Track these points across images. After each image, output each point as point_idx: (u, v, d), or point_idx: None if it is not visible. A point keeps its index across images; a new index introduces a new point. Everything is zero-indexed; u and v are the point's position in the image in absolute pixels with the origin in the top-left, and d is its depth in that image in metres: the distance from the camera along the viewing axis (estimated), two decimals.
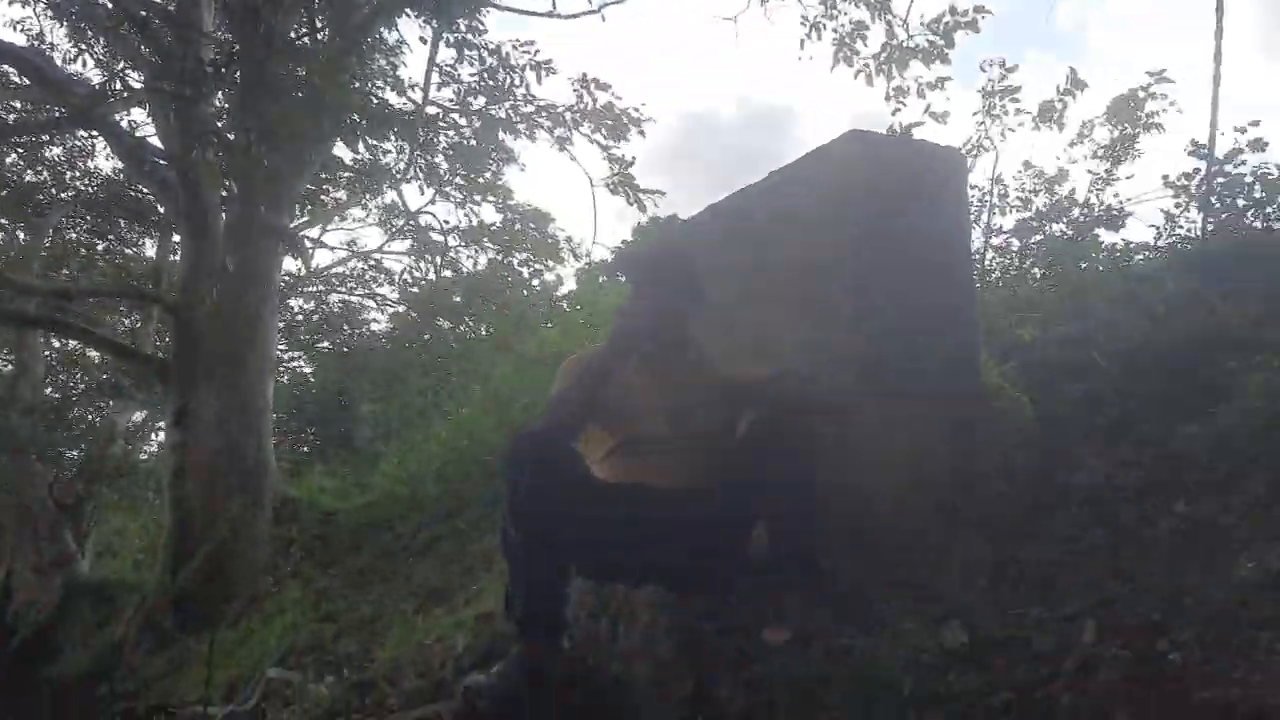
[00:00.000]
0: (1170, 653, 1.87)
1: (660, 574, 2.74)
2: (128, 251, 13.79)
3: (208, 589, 7.91)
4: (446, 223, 11.91)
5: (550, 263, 13.26)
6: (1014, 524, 2.55)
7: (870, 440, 2.70)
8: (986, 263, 6.98)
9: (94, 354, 13.60)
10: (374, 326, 16.39)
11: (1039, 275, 6.94)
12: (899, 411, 2.71)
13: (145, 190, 11.37)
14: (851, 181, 2.82)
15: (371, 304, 15.90)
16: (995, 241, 7.70)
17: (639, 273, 3.00)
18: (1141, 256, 5.90)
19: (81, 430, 13.78)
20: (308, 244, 10.54)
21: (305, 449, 17.19)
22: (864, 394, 2.73)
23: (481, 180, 10.23)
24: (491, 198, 12.05)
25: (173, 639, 7.63)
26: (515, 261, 12.99)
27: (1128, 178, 8.16)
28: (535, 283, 14.10)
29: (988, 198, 7.11)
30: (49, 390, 13.40)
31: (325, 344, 16.49)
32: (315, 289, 15.07)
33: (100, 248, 13.50)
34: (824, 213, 2.89)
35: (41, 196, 11.75)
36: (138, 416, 13.56)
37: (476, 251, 13.38)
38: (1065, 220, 7.99)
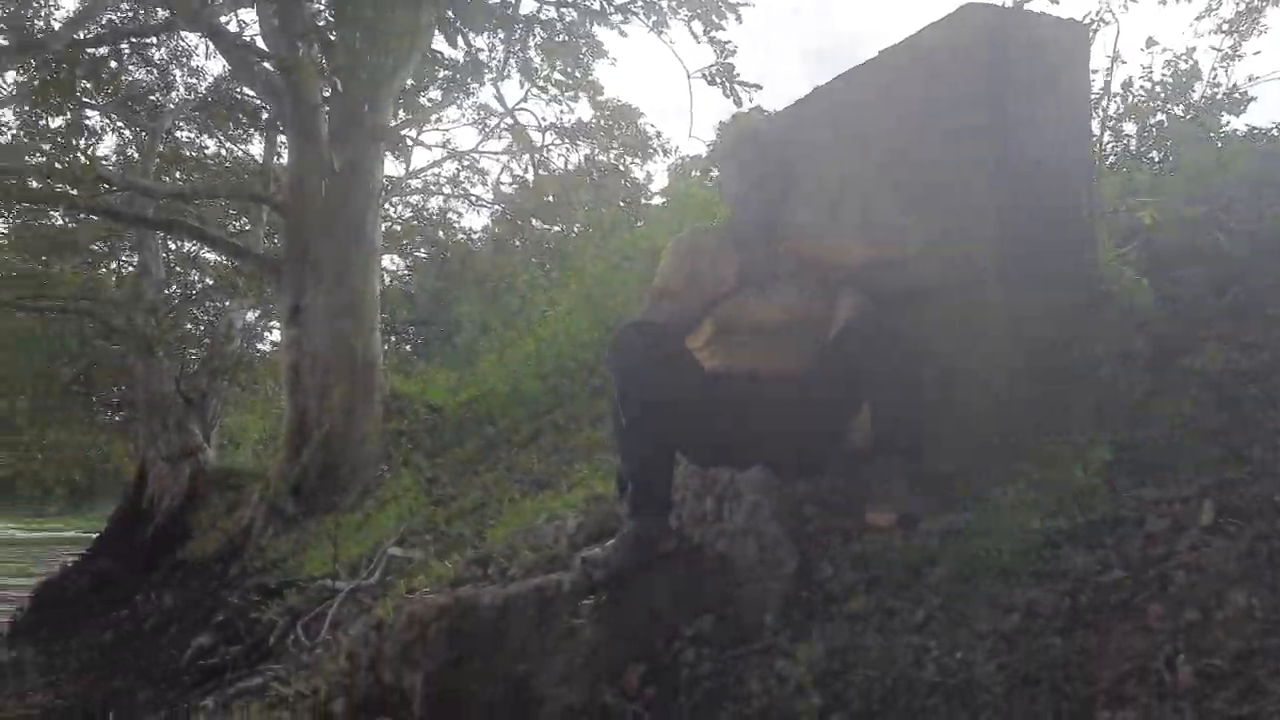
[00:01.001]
0: None
1: (764, 457, 2.80)
2: (237, 152, 14.18)
3: (326, 477, 8.36)
4: (544, 119, 11.86)
5: (641, 159, 13.16)
6: (1130, 408, 2.50)
7: (980, 324, 2.66)
8: (1103, 146, 6.64)
9: (209, 255, 14.16)
10: (469, 229, 16.59)
11: (1157, 160, 6.59)
12: (1011, 294, 2.66)
13: (251, 92, 11.59)
14: (968, 56, 2.71)
15: (466, 205, 16.07)
16: (1111, 123, 7.30)
17: (739, 161, 2.96)
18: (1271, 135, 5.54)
19: (202, 328, 14.49)
20: (408, 143, 10.67)
21: (408, 348, 17.78)
22: (974, 277, 2.68)
23: (575, 74, 10.14)
24: (583, 94, 11.94)
25: (295, 523, 8.12)
26: (610, 157, 12.92)
27: (1255, 54, 7.61)
28: (625, 180, 14.03)
29: (1106, 76, 6.70)
30: (171, 290, 14.03)
31: (423, 250, 16.84)
32: (413, 194, 15.29)
33: (210, 151, 13.90)
34: (936, 90, 2.79)
35: (154, 99, 12.08)
36: (251, 315, 14.16)
37: (568, 149, 13.36)
38: (1186, 103, 7.52)
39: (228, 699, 3.61)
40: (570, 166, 13.19)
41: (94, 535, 14.03)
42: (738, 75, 5.70)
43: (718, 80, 5.73)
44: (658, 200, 12.92)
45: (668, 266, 2.88)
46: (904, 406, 2.58)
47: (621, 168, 13.19)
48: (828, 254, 2.85)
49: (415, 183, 14.54)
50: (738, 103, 6.01)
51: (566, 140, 12.61)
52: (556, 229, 12.49)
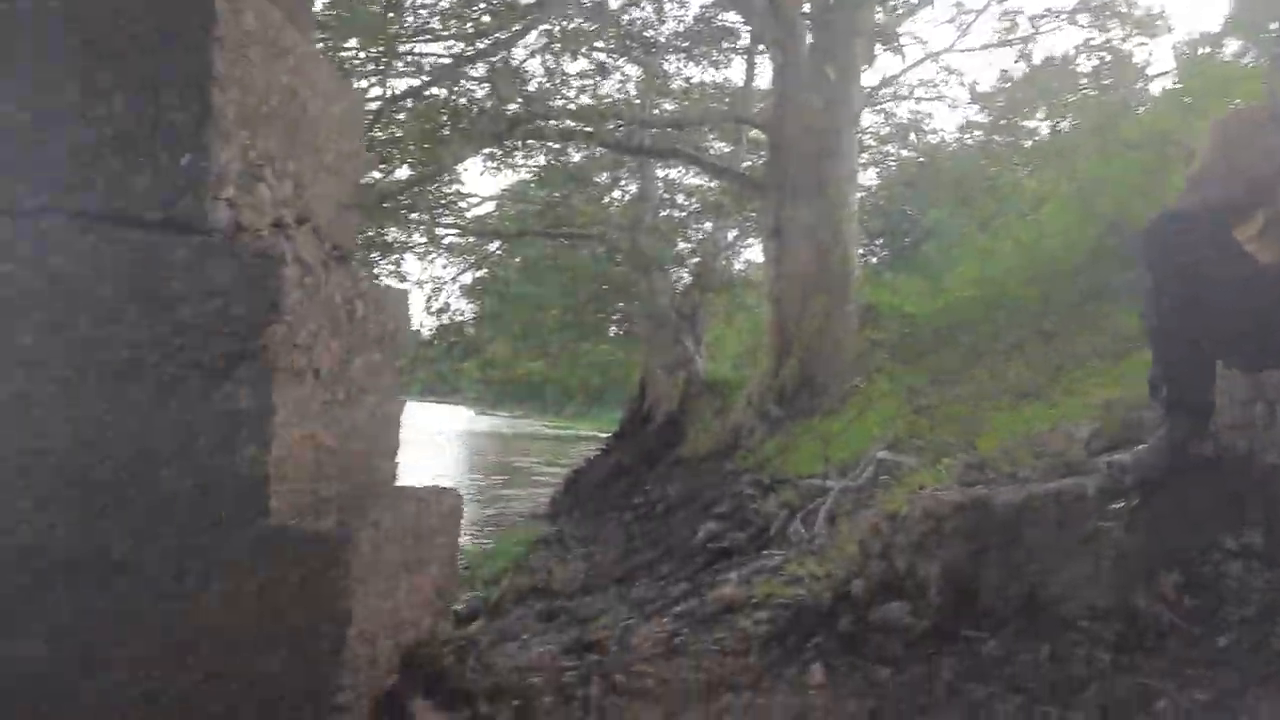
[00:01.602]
0: None
1: None
2: (718, 78, 14.96)
3: (805, 383, 8.78)
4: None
5: (1148, 37, 11.63)
6: None
7: None
8: None
9: (692, 179, 15.25)
10: (941, 133, 15.98)
11: None
12: None
13: (734, 17, 12.07)
14: None
15: (941, 108, 15.52)
16: None
17: None
18: None
19: (692, 247, 15.75)
20: (900, 43, 10.46)
21: (874, 259, 17.81)
22: None
23: None
24: None
25: (779, 426, 8.65)
26: (1110, 40, 11.60)
27: None
28: (1125, 64, 12.51)
29: None
30: (665, 213, 15.37)
31: (893, 161, 16.59)
32: (885, 102, 15.02)
33: (694, 80, 14.81)
34: None
35: (649, 35, 13.15)
36: (731, 234, 15.09)
37: (1059, 32, 12.26)
38: None
39: (747, 575, 4.03)
40: (1060, 55, 12.06)
41: (604, 435, 16.15)
42: None
43: None
44: (1157, 86, 11.44)
45: (1207, 149, 2.60)
46: None
47: (1123, 48, 11.74)
48: None
49: (887, 90, 14.27)
50: None
51: (1063, 21, 11.50)
52: (1044, 123, 11.53)
